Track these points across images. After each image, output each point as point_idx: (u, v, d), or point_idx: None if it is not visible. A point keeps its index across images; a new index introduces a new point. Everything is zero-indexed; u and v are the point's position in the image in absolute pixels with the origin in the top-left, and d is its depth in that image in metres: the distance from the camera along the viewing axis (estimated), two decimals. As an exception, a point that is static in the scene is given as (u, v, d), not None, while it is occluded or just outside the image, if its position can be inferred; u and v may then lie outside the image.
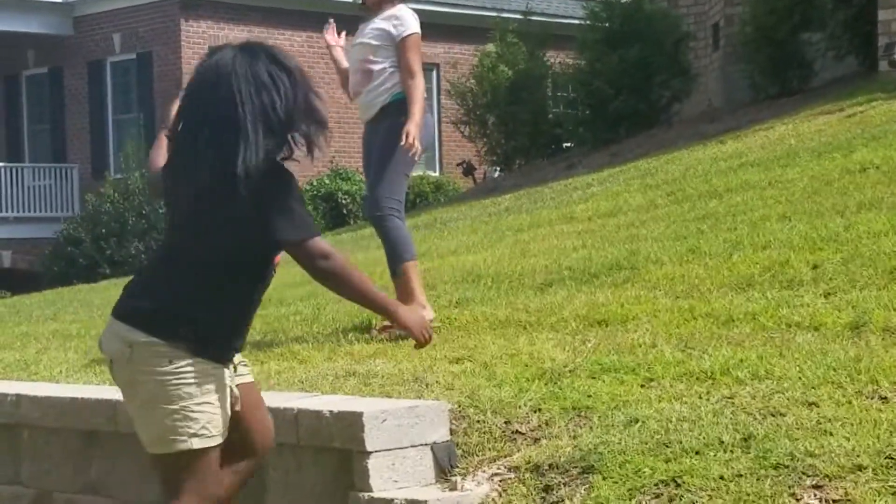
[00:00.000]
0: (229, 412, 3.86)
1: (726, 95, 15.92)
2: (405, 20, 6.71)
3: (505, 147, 18.75)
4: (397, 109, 6.61)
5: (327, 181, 23.71)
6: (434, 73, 25.55)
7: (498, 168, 19.90)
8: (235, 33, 24.42)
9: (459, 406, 4.85)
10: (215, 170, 3.70)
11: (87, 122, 25.88)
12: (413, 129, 6.45)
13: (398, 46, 6.66)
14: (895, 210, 6.90)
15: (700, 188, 9.78)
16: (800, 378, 4.63)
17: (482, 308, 6.90)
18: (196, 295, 3.77)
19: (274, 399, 4.87)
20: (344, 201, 23.35)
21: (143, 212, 22.01)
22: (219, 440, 3.83)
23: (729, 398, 4.58)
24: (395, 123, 6.54)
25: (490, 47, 19.42)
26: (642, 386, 4.89)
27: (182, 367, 3.75)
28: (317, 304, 7.90)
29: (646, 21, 16.03)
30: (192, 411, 3.76)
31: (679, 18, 16.66)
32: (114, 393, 4.86)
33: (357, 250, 12.33)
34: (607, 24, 16.42)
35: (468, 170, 21.42)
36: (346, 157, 24.69)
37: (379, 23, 6.74)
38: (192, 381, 3.75)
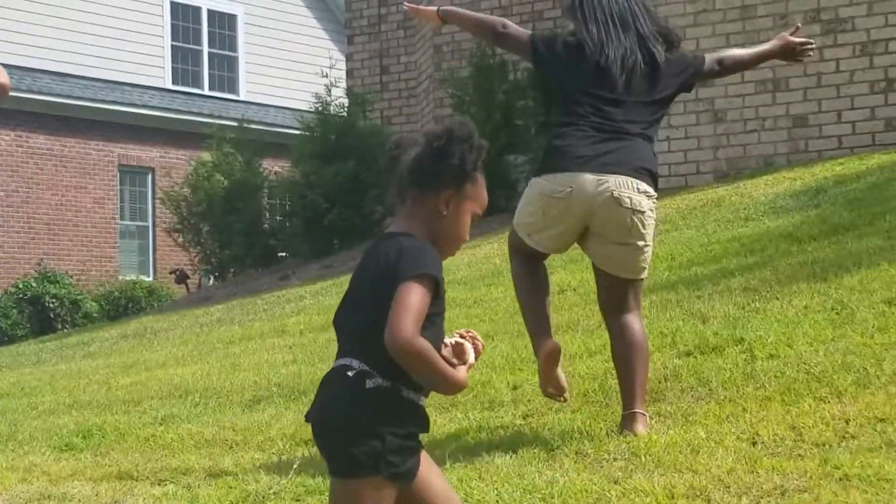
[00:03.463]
0: None
1: (438, 210, 16.29)
2: None
3: (219, 256, 18.69)
4: None
5: (34, 283, 23.06)
6: (149, 177, 25.32)
7: (212, 277, 19.80)
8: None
9: (160, 531, 4.81)
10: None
11: None
12: None
13: None
14: (589, 332, 7.19)
15: (409, 304, 9.93)
16: (497, 501, 4.77)
17: (188, 426, 6.86)
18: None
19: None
20: (52, 305, 22.75)
21: None
22: None
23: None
24: None
25: (206, 156, 19.40)
26: (344, 509, 4.94)
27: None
28: (13, 421, 7.68)
29: (360, 137, 16.38)
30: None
31: (392, 135, 17.05)
32: None
33: (61, 361, 12.05)
34: (322, 137, 16.67)
35: (181, 278, 21.21)
36: (54, 260, 24.12)
37: None
38: None
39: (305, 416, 3.45)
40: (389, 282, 3.35)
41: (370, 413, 3.34)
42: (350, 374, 3.35)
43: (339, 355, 3.42)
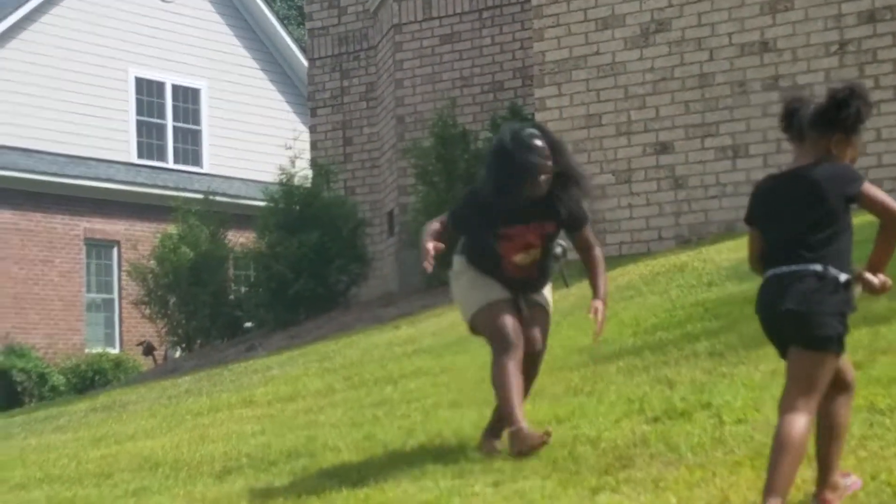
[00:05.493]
0: None
1: (401, 280, 16.36)
2: None
3: (186, 327, 18.68)
4: None
5: (1, 358, 22.98)
6: (115, 250, 25.29)
7: (178, 348, 19.77)
8: None
9: None
10: None
11: None
12: None
13: None
14: (556, 400, 7.25)
15: (376, 373, 9.99)
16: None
17: (159, 498, 6.86)
18: None
19: None
20: (19, 379, 22.66)
21: None
22: None
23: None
24: None
25: (171, 228, 19.45)
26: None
27: None
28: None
29: (324, 208, 16.48)
30: None
31: (356, 206, 17.17)
32: None
33: (30, 435, 12.01)
34: (286, 209, 16.76)
35: (148, 350, 21.18)
36: (22, 333, 24.03)
37: None
38: None
39: (765, 308, 4.68)
40: (837, 195, 4.38)
41: (845, 302, 4.49)
42: (825, 275, 4.43)
43: (787, 263, 4.59)
